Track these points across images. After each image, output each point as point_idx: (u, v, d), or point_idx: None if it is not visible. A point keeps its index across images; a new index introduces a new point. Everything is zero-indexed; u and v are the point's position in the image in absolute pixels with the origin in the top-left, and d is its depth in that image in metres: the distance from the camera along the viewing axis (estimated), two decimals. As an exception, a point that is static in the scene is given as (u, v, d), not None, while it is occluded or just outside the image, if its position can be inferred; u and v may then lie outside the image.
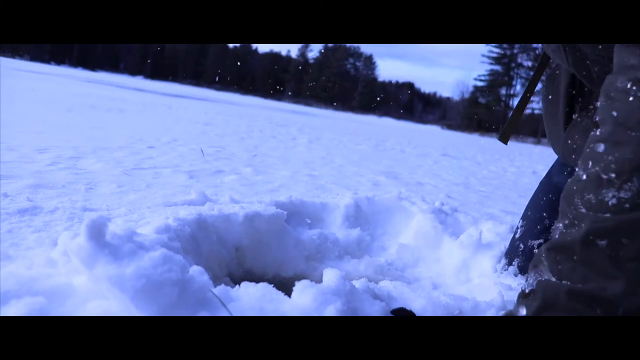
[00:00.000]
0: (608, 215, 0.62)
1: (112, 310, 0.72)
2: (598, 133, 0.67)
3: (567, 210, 0.67)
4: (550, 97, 1.14)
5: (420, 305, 0.88)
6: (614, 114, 0.64)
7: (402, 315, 0.83)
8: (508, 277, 1.21)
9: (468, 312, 0.91)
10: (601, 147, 0.64)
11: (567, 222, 0.66)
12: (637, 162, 0.60)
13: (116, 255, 0.73)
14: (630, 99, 0.63)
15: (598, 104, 0.70)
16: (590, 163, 0.65)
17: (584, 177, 0.66)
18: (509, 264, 1.29)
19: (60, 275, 0.85)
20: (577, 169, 0.69)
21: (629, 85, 0.64)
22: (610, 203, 0.61)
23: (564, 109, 1.08)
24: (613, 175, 0.62)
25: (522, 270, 1.26)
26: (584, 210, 0.64)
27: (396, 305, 0.86)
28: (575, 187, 0.67)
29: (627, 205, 0.60)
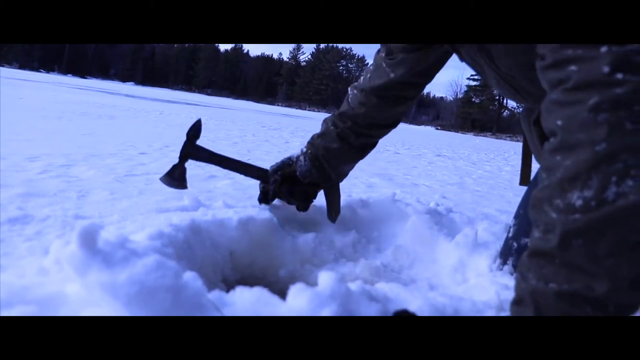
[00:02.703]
0: (578, 215, 0.63)
1: (106, 318, 0.71)
2: (551, 143, 0.70)
3: (538, 219, 0.69)
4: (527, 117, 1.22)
5: (417, 306, 0.88)
6: (558, 123, 0.68)
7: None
8: (504, 277, 1.21)
9: (465, 312, 0.91)
10: (557, 155, 0.67)
11: (541, 228, 0.68)
12: (592, 162, 0.62)
13: (109, 262, 0.72)
14: (567, 106, 0.67)
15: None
16: (551, 171, 0.68)
17: (548, 184, 0.68)
18: (504, 263, 1.29)
19: (53, 283, 0.83)
20: (540, 179, 0.72)
21: (562, 96, 0.68)
22: (577, 205, 0.63)
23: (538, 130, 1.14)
24: (574, 178, 0.64)
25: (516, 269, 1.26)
26: (554, 215, 0.66)
27: (393, 307, 0.86)
28: (541, 196, 0.69)
29: (593, 204, 0.62)
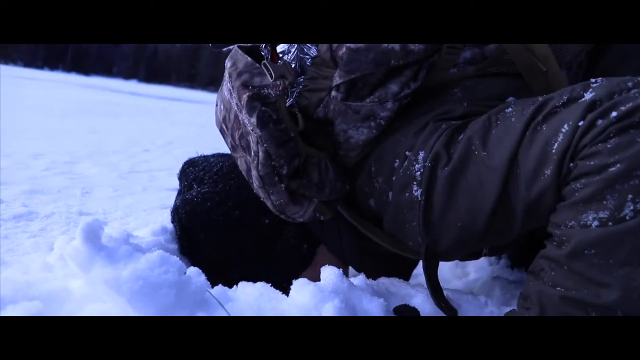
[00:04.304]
0: (593, 229, 0.62)
1: (110, 313, 0.72)
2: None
3: (554, 235, 0.68)
4: None
5: (420, 300, 0.88)
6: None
7: (406, 313, 0.83)
8: (504, 270, 1.21)
9: (467, 306, 0.91)
10: (570, 182, 0.65)
11: (555, 243, 0.67)
12: (606, 182, 0.61)
13: (112, 257, 0.73)
14: None
15: None
16: (565, 196, 0.66)
17: (562, 207, 0.67)
18: (499, 257, 1.30)
19: (57, 279, 0.84)
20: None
21: None
22: (593, 225, 0.62)
23: None
24: (588, 199, 0.63)
25: (513, 261, 1.27)
26: (570, 231, 0.65)
27: (395, 302, 0.86)
28: (555, 220, 0.68)
29: (610, 223, 0.61)
